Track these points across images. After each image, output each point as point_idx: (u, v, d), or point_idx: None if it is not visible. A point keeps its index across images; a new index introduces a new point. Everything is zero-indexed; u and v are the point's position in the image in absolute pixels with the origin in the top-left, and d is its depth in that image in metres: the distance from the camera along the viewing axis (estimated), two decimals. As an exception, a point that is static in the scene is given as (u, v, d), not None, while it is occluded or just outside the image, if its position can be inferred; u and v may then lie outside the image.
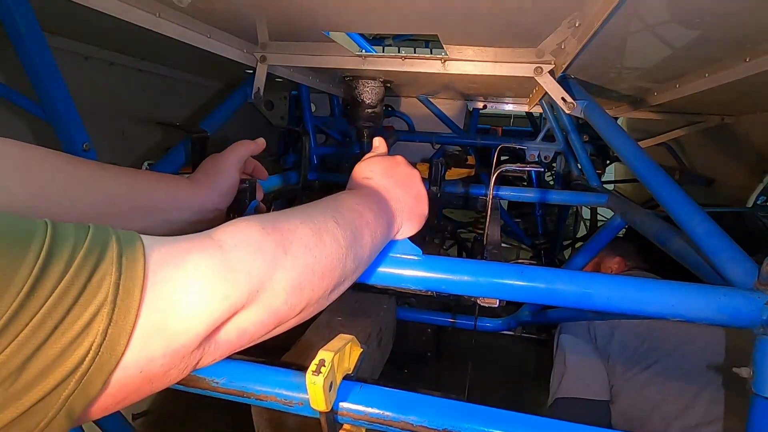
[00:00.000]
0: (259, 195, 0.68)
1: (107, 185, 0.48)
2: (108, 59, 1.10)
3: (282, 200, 1.31)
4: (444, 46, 0.90)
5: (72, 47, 1.00)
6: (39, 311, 0.21)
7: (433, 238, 1.43)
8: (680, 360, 0.86)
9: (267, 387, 0.44)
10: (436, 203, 1.18)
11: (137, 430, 1.30)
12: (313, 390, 0.39)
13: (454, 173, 1.77)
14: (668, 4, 0.61)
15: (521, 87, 1.37)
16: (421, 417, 0.42)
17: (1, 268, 0.20)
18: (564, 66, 0.86)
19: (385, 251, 0.53)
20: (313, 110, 1.69)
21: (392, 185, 0.53)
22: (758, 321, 0.45)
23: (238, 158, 0.63)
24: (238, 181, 0.63)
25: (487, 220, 0.76)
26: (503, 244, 2.23)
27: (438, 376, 1.66)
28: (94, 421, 0.85)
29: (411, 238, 0.55)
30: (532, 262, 0.57)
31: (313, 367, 0.39)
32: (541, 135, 1.76)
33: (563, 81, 0.95)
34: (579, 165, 1.55)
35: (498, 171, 0.76)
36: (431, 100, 1.84)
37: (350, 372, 0.46)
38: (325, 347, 0.41)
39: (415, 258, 0.54)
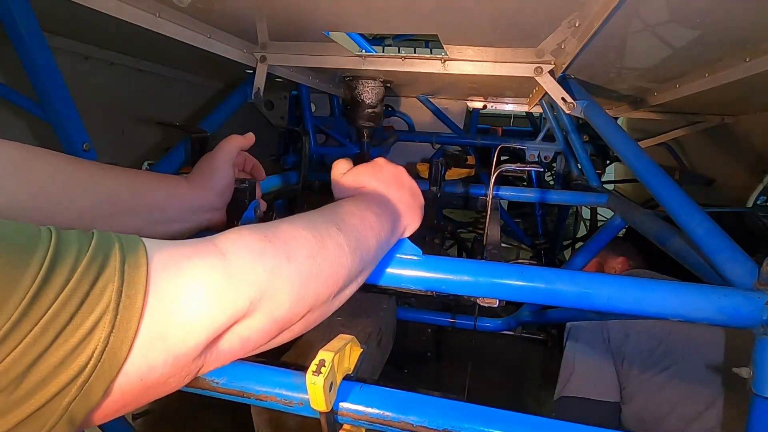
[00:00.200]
0: (258, 195, 0.68)
1: (106, 185, 0.48)
2: (108, 59, 1.10)
3: (282, 200, 1.31)
4: (444, 46, 0.90)
5: (72, 47, 1.00)
6: (42, 318, 0.21)
7: (433, 238, 1.43)
8: (699, 362, 0.84)
9: (267, 387, 0.44)
10: (436, 203, 1.18)
11: (137, 430, 1.30)
12: (313, 390, 0.39)
13: (454, 173, 1.77)
14: (668, 4, 0.61)
15: (521, 87, 1.37)
16: (421, 417, 0.42)
17: (6, 276, 0.20)
18: (564, 66, 0.86)
19: (389, 252, 0.53)
20: (313, 110, 1.69)
21: (386, 186, 0.53)
22: (758, 321, 0.45)
23: (228, 155, 0.62)
24: (233, 178, 0.63)
25: (487, 220, 0.76)
26: (503, 244, 2.23)
27: (438, 376, 1.66)
28: (94, 421, 0.85)
29: (411, 238, 0.55)
30: (532, 262, 0.57)
31: (313, 367, 0.39)
32: (541, 135, 1.76)
33: (563, 81, 0.95)
34: (579, 165, 1.55)
35: (498, 171, 0.76)
36: (431, 100, 1.84)
37: (350, 372, 0.45)
38: (325, 347, 0.41)
39: (415, 258, 0.54)
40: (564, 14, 0.68)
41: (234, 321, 0.30)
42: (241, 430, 0.97)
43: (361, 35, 1.34)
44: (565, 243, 2.19)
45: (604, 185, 1.52)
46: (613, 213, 1.09)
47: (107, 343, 0.23)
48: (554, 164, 1.84)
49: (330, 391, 0.40)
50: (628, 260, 1.23)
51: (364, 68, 1.05)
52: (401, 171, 0.56)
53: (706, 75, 0.91)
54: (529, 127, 2.43)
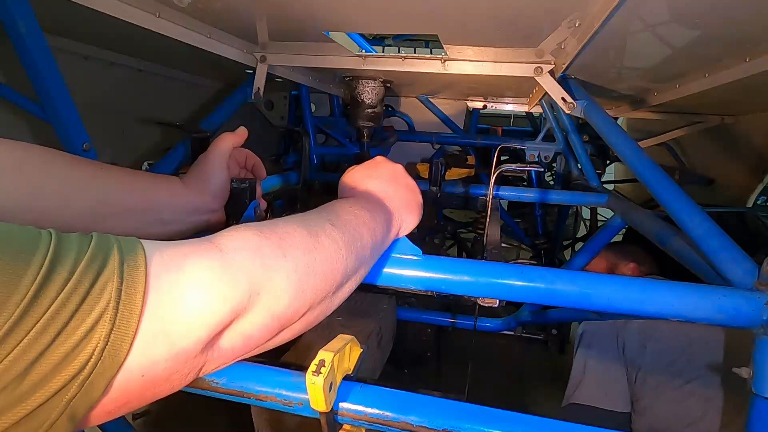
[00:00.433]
0: (259, 194, 0.68)
1: (102, 185, 0.48)
2: (108, 59, 1.10)
3: (282, 200, 1.31)
4: (444, 46, 0.90)
5: (72, 47, 1.00)
6: (42, 317, 0.22)
7: (433, 238, 1.43)
8: (721, 377, 0.80)
9: (267, 387, 0.44)
10: (436, 203, 1.18)
11: (137, 430, 1.30)
12: (313, 390, 0.39)
13: (454, 173, 1.77)
14: (668, 4, 0.61)
15: (521, 87, 1.37)
16: (421, 417, 0.42)
17: (7, 275, 0.21)
18: (564, 66, 0.86)
19: (387, 251, 0.53)
20: (313, 110, 1.69)
21: (380, 184, 0.53)
22: (758, 321, 0.45)
23: (221, 155, 0.62)
24: (228, 178, 0.62)
25: (487, 220, 0.76)
26: (503, 244, 2.22)
27: (438, 376, 1.66)
28: (94, 421, 0.85)
29: (411, 239, 0.55)
30: (532, 262, 0.57)
31: (313, 367, 0.39)
32: (541, 135, 1.76)
33: (563, 81, 0.95)
34: (579, 165, 1.55)
35: (498, 171, 0.76)
36: (431, 100, 1.84)
37: (350, 372, 0.45)
38: (325, 347, 0.41)
39: (415, 258, 0.54)
40: (564, 14, 0.68)
41: (234, 316, 0.30)
42: (241, 430, 0.97)
43: (361, 35, 1.34)
44: (565, 243, 2.19)
45: (604, 185, 1.52)
46: (613, 213, 1.09)
47: (108, 340, 0.23)
48: (554, 164, 1.84)
49: (330, 391, 0.40)
50: (639, 266, 1.20)
51: (364, 68, 1.05)
52: (398, 169, 0.56)
53: (706, 75, 0.91)
54: (529, 127, 2.43)
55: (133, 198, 0.51)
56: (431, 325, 1.45)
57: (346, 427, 0.44)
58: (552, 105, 1.61)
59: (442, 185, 1.14)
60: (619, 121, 1.94)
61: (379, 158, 0.57)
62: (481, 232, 1.95)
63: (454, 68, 0.99)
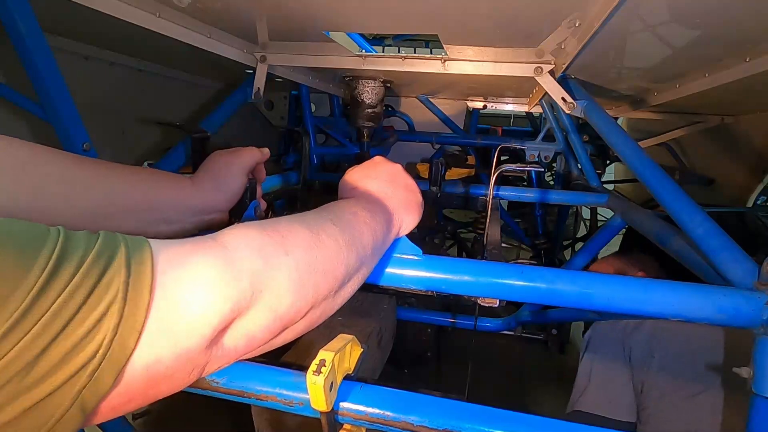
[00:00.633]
0: (259, 195, 0.68)
1: (107, 183, 0.48)
2: (108, 59, 1.10)
3: (282, 200, 1.31)
4: (444, 46, 0.90)
5: (72, 47, 1.00)
6: (51, 307, 0.22)
7: (433, 238, 1.43)
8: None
9: (267, 387, 0.44)
10: (436, 203, 1.18)
11: (137, 430, 1.30)
12: (314, 390, 0.39)
13: (454, 173, 1.77)
14: (668, 4, 0.61)
15: (521, 87, 1.37)
16: (421, 417, 0.42)
17: (15, 267, 0.21)
18: (564, 66, 0.86)
19: (388, 251, 0.53)
20: (313, 110, 1.69)
21: (380, 184, 0.53)
22: (758, 321, 0.45)
23: (247, 164, 0.64)
24: (245, 184, 0.64)
25: (487, 220, 0.76)
26: (503, 244, 2.23)
27: (438, 376, 1.66)
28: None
29: (411, 238, 0.55)
30: (532, 262, 0.57)
31: (313, 367, 0.39)
32: (541, 135, 1.76)
33: (563, 81, 0.95)
34: (579, 165, 1.55)
35: (498, 171, 0.76)
36: (431, 100, 1.84)
37: (350, 372, 0.45)
38: (325, 347, 0.41)
39: (416, 258, 0.54)
40: (564, 14, 0.68)
41: (237, 312, 0.30)
42: (241, 430, 0.97)
43: (361, 35, 1.34)
44: (565, 243, 2.19)
45: (604, 185, 1.52)
46: (613, 213, 1.09)
47: (116, 332, 0.24)
48: (554, 164, 1.84)
49: (330, 390, 0.40)
50: (648, 275, 1.18)
51: (364, 68, 1.05)
52: (397, 168, 0.56)
53: (706, 75, 0.91)
54: (529, 127, 2.43)
55: (137, 197, 0.51)
56: (431, 325, 1.45)
57: (346, 426, 0.44)
58: (552, 105, 1.61)
59: (442, 185, 1.14)
60: (619, 121, 1.94)
61: (378, 158, 0.57)
62: (481, 232, 1.95)
63: (454, 68, 0.99)
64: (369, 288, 0.52)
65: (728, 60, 0.81)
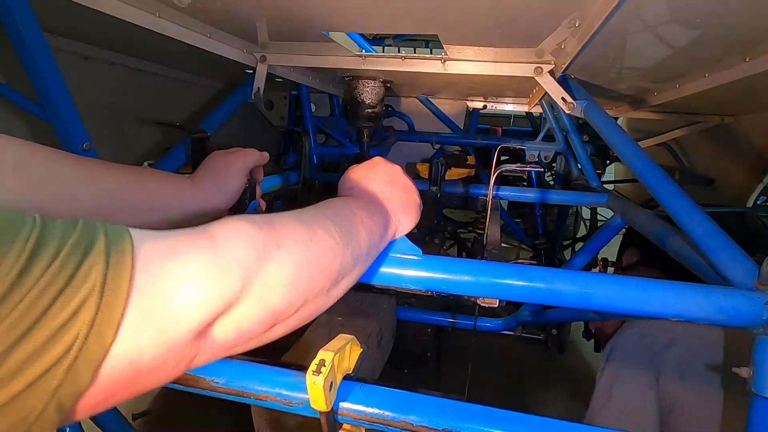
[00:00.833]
0: (258, 195, 0.68)
1: (108, 183, 0.48)
2: (108, 59, 1.10)
3: (282, 200, 1.31)
4: (444, 46, 0.90)
5: (72, 47, 1.00)
6: (24, 298, 0.21)
7: (433, 238, 1.44)
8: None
9: (267, 387, 0.44)
10: (436, 203, 1.18)
11: (137, 430, 1.30)
12: (314, 390, 0.39)
13: (454, 173, 1.77)
14: (668, 4, 0.61)
15: (521, 87, 1.37)
16: (421, 417, 0.42)
17: None
18: (564, 66, 0.86)
19: (386, 250, 0.53)
20: (313, 110, 1.69)
21: (378, 185, 0.53)
22: (758, 321, 0.45)
23: (247, 165, 0.64)
24: (244, 184, 0.64)
25: (487, 220, 0.76)
26: (503, 244, 2.23)
27: (438, 376, 1.66)
28: (94, 421, 0.85)
29: (411, 239, 0.55)
30: (532, 262, 0.57)
31: (313, 367, 0.39)
32: (541, 135, 1.76)
33: (563, 81, 0.95)
34: (579, 165, 1.55)
35: (498, 171, 0.76)
36: (431, 100, 1.84)
37: (350, 372, 0.46)
38: (325, 347, 0.41)
39: (415, 258, 0.54)
40: (564, 14, 0.68)
41: (226, 305, 0.30)
42: (241, 430, 0.97)
43: (361, 35, 1.34)
44: (565, 243, 2.19)
45: (604, 185, 1.52)
46: (613, 213, 1.09)
47: (93, 323, 0.23)
48: (554, 164, 1.84)
49: (330, 390, 0.40)
50: None
51: (364, 68, 1.05)
52: (396, 170, 0.56)
53: (706, 75, 0.91)
54: (529, 127, 2.43)
55: (138, 196, 0.51)
56: (431, 325, 1.45)
57: (346, 426, 0.44)
58: (552, 105, 1.61)
59: (442, 185, 1.14)
60: (619, 121, 1.94)
61: (377, 159, 0.57)
62: (481, 232, 1.95)
63: (454, 68, 0.99)
64: (369, 288, 0.52)
65: (728, 60, 0.81)
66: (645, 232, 0.87)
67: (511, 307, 1.42)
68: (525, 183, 2.22)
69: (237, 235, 0.31)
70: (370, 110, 1.31)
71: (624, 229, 1.14)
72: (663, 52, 0.84)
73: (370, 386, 0.44)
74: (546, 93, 0.94)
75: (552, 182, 2.03)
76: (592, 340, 1.59)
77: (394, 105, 1.90)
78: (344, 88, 1.55)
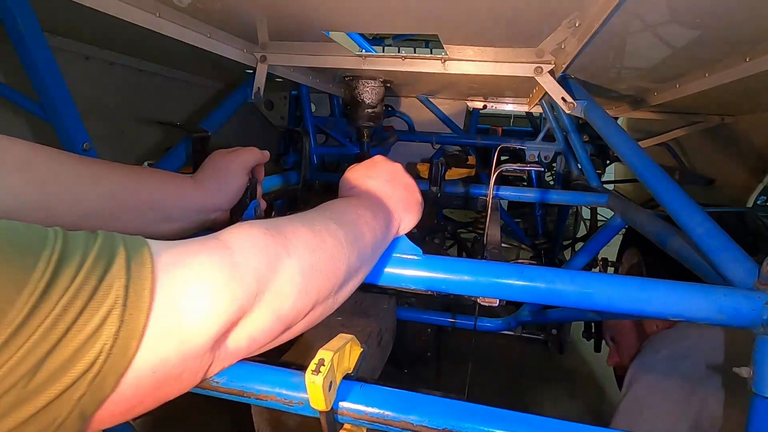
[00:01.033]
0: (259, 194, 0.68)
1: (109, 183, 0.48)
2: (108, 59, 1.10)
3: (282, 200, 1.31)
4: (444, 46, 0.90)
5: (72, 47, 0.99)
6: (51, 314, 0.22)
7: (433, 238, 1.43)
8: None
9: (267, 386, 0.44)
10: (436, 203, 1.18)
11: (137, 430, 1.30)
12: (313, 389, 0.38)
13: (454, 173, 1.77)
14: (668, 4, 0.61)
15: (521, 87, 1.37)
16: (421, 416, 0.42)
17: (14, 273, 0.21)
18: (564, 66, 0.86)
19: (387, 250, 0.53)
20: (313, 110, 1.69)
21: (379, 183, 0.53)
22: (758, 321, 0.45)
23: (247, 164, 0.64)
24: (245, 185, 0.64)
25: (487, 220, 0.76)
26: (503, 244, 2.23)
27: (438, 375, 1.66)
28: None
29: (411, 238, 0.55)
30: (532, 262, 0.57)
31: (312, 366, 0.39)
32: (541, 135, 1.76)
33: (563, 81, 0.95)
34: (579, 165, 1.55)
35: (498, 171, 0.76)
36: (431, 100, 1.84)
37: (350, 371, 0.45)
38: (324, 347, 0.41)
39: (416, 258, 0.54)
40: (564, 14, 0.68)
41: (242, 312, 0.30)
42: (241, 430, 0.97)
43: (361, 35, 1.34)
44: (565, 243, 2.19)
45: (604, 185, 1.52)
46: (613, 213, 1.09)
47: (117, 337, 0.24)
48: (554, 164, 1.84)
49: (330, 390, 0.40)
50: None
51: (364, 68, 1.05)
52: (397, 168, 0.56)
53: (706, 75, 0.91)
54: (529, 127, 2.43)
55: (141, 195, 0.51)
56: (431, 325, 1.45)
57: (346, 426, 0.44)
58: (552, 105, 1.61)
59: (442, 185, 1.14)
60: (619, 121, 1.94)
61: (378, 158, 0.57)
62: (481, 232, 1.95)
63: (454, 68, 0.99)
64: (369, 288, 0.52)
65: (728, 60, 0.81)
66: (645, 232, 0.87)
67: (511, 307, 1.42)
68: (525, 183, 2.22)
69: (251, 243, 0.32)
70: (370, 110, 1.31)
71: (624, 229, 1.14)
72: (663, 52, 0.84)
73: (370, 386, 0.44)
74: (546, 93, 0.94)
75: (552, 182, 2.03)
76: (592, 340, 1.60)
77: (394, 105, 1.90)
78: (344, 88, 1.55)
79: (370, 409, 0.43)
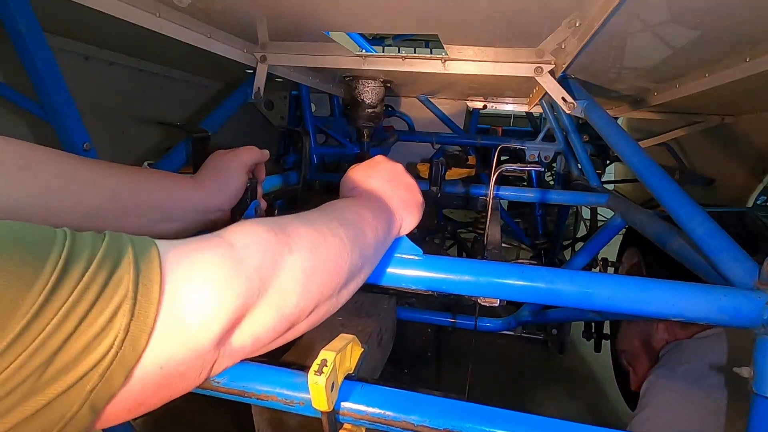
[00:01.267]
0: (259, 194, 0.68)
1: (109, 183, 0.48)
2: (108, 59, 1.10)
3: (283, 200, 1.31)
4: (444, 46, 0.90)
5: (72, 47, 0.99)
6: (63, 306, 0.22)
7: (433, 238, 1.43)
8: None
9: (268, 387, 0.44)
10: (436, 203, 1.18)
11: (137, 430, 1.30)
12: (315, 390, 0.39)
13: (454, 173, 1.77)
14: (668, 4, 0.61)
15: (521, 87, 1.37)
16: (422, 416, 0.42)
17: (25, 269, 0.21)
18: (564, 66, 0.86)
19: (388, 250, 0.53)
20: (313, 110, 1.69)
21: (380, 184, 0.53)
22: (758, 321, 0.45)
23: (246, 163, 0.64)
24: (245, 183, 0.64)
25: (488, 220, 0.76)
26: (503, 244, 2.23)
27: (438, 375, 1.66)
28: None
29: (411, 238, 0.55)
30: (532, 262, 0.57)
31: (315, 367, 0.39)
32: (541, 135, 1.76)
33: (563, 81, 0.95)
34: (579, 165, 1.55)
35: (498, 171, 0.76)
36: (431, 100, 1.84)
37: (351, 372, 0.46)
38: (326, 347, 0.41)
39: (416, 258, 0.54)
40: (564, 14, 0.68)
41: (246, 308, 0.30)
42: (241, 430, 0.97)
43: (361, 35, 1.34)
44: (565, 243, 2.19)
45: (604, 185, 1.52)
46: (613, 213, 1.09)
47: (128, 330, 0.24)
48: (554, 164, 1.84)
49: (331, 390, 0.40)
50: (667, 327, 1.05)
51: (364, 68, 1.05)
52: (398, 168, 0.57)
53: (706, 75, 0.91)
54: (529, 127, 2.43)
55: (142, 196, 0.51)
56: (431, 325, 1.45)
57: (347, 426, 0.44)
58: (552, 105, 1.61)
59: (443, 185, 1.14)
60: (619, 121, 1.94)
61: (378, 158, 0.58)
62: (481, 232, 1.95)
63: (455, 68, 0.99)
64: (369, 288, 0.52)
65: (728, 60, 0.81)
66: (645, 232, 0.87)
67: (511, 307, 1.41)
68: (525, 183, 2.22)
69: (254, 241, 0.32)
70: (370, 110, 1.31)
71: (624, 229, 1.14)
72: (663, 52, 0.84)
73: (371, 386, 0.44)
74: (546, 93, 0.94)
75: (552, 182, 2.03)
76: (592, 340, 1.60)
77: (394, 105, 1.90)
78: (344, 88, 1.55)
79: (371, 409, 0.43)
